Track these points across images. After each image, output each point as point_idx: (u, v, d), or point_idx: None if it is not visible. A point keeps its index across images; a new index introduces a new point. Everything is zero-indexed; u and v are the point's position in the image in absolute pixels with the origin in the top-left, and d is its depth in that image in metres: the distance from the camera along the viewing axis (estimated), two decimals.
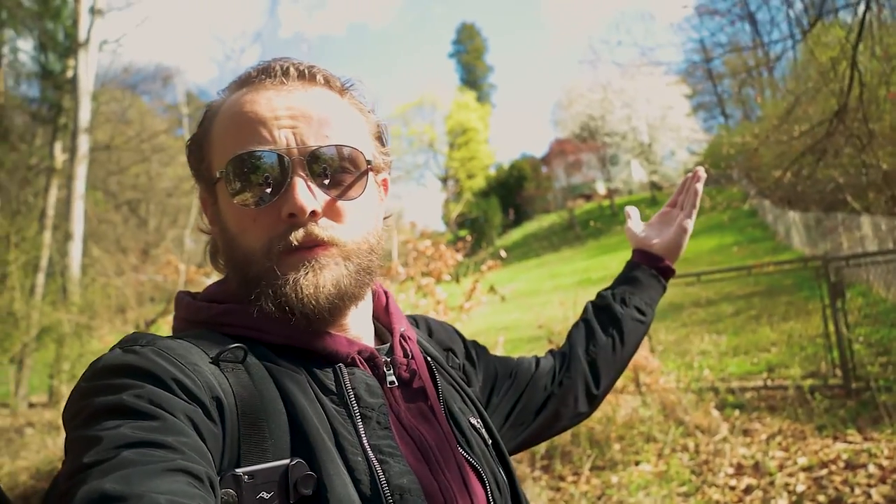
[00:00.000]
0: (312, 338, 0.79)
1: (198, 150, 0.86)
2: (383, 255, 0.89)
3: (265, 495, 0.65)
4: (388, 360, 0.85)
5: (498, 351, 5.59)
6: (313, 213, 0.76)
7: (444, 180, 48.02)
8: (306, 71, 0.82)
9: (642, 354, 5.42)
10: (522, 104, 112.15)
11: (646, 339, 6.70)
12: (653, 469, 4.53)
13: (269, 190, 0.77)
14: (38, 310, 10.74)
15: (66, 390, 8.59)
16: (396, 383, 0.84)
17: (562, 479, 4.57)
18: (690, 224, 1.30)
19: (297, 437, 0.70)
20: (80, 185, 13.94)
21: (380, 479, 0.71)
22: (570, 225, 35.34)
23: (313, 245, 0.77)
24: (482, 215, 37.57)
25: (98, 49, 16.30)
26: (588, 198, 40.30)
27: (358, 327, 0.87)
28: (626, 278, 1.32)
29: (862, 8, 5.65)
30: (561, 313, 7.27)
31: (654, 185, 34.87)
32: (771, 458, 4.42)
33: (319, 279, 0.76)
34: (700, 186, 1.32)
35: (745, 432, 5.02)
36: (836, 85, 6.53)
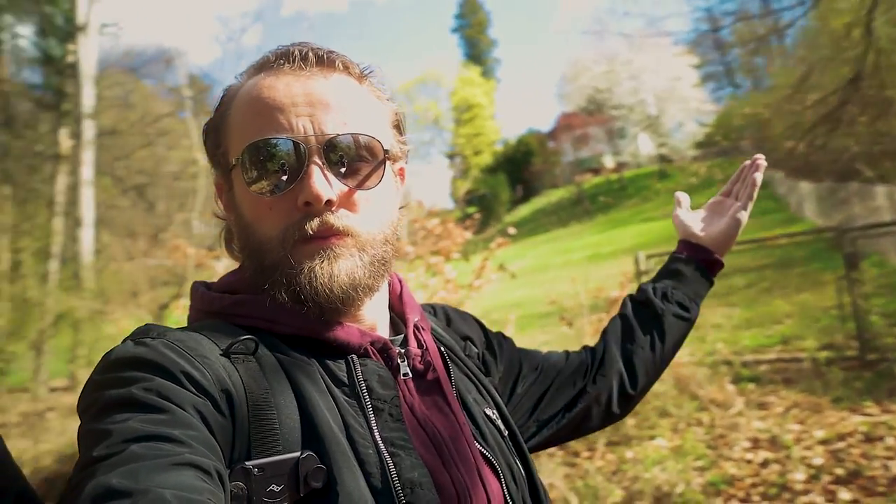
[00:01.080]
0: (324, 328, 0.78)
1: (214, 136, 0.84)
2: (398, 242, 0.87)
3: (275, 488, 0.65)
4: (402, 351, 0.84)
5: (509, 328, 5.58)
6: (329, 202, 0.75)
7: (451, 157, 47.81)
8: (325, 56, 0.80)
9: None
10: (528, 78, 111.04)
11: None
12: (668, 444, 4.52)
13: (285, 178, 0.76)
14: (53, 296, 10.82)
15: (84, 375, 8.71)
16: (410, 375, 0.82)
17: (576, 454, 4.58)
18: (745, 216, 1.21)
19: (307, 429, 0.69)
20: (87, 171, 13.98)
21: (391, 472, 0.70)
22: (578, 199, 35.15)
23: (328, 234, 0.76)
24: (490, 192, 37.37)
25: (98, 32, 16.18)
26: (596, 172, 39.97)
27: (372, 318, 0.85)
28: (670, 271, 1.23)
29: None
30: (572, 289, 7.25)
31: (663, 158, 34.51)
32: (787, 431, 4.40)
33: (334, 268, 0.75)
34: (759, 176, 1.21)
35: (761, 405, 5.00)
36: (850, 52, 6.37)
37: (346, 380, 0.76)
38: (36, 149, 16.77)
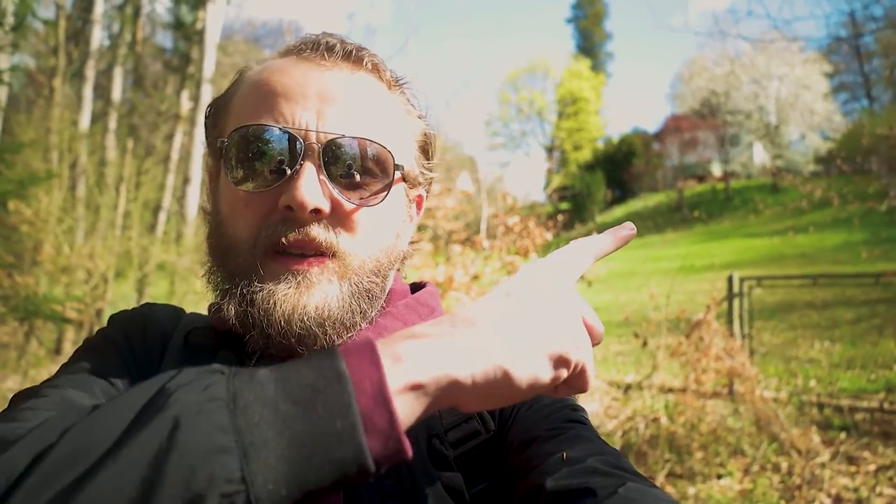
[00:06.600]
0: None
1: (214, 116, 0.76)
2: (389, 278, 0.74)
3: None
4: None
5: None
6: (317, 211, 0.64)
7: (550, 150, 46.94)
8: (354, 52, 0.70)
9: (738, 360, 4.99)
10: (640, 75, 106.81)
11: (745, 340, 6.18)
12: (737, 486, 4.19)
13: (271, 174, 0.65)
14: (157, 246, 11.68)
15: None
16: None
17: None
18: None
19: None
20: (201, 133, 14.92)
21: None
22: (677, 206, 33.49)
23: (305, 253, 0.65)
24: (585, 189, 36.34)
25: (226, 2, 17.11)
26: (701, 179, 37.88)
27: None
28: None
29: None
30: (652, 302, 6.86)
31: (778, 171, 32.13)
32: (878, 494, 3.94)
33: (302, 299, 0.63)
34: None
35: (851, 460, 4.52)
36: None
37: None
38: (160, 108, 18.06)
